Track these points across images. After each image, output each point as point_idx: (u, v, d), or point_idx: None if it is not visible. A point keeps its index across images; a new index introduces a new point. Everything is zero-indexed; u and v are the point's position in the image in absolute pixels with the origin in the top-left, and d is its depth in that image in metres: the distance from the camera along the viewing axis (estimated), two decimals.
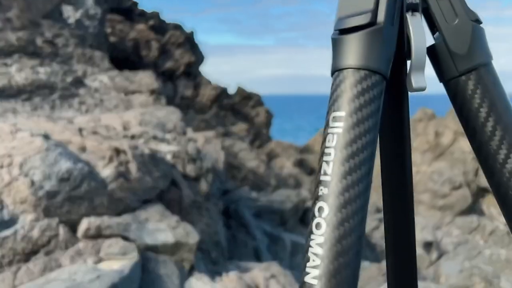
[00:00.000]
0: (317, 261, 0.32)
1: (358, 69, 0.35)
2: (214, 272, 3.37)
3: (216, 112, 12.36)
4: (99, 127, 4.82)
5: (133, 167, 3.28)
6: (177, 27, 15.26)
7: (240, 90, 16.72)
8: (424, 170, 12.62)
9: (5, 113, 4.46)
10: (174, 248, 2.94)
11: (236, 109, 15.54)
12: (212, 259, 3.68)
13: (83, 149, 3.36)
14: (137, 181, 3.25)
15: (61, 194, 2.82)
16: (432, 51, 0.39)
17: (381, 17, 0.35)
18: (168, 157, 3.85)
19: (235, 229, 4.65)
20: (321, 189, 0.34)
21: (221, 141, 4.95)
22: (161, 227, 3.12)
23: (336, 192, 0.33)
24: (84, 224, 2.80)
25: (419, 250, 9.24)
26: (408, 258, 0.47)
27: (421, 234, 9.12)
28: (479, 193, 12.78)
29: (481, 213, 12.37)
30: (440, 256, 8.49)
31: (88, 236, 2.78)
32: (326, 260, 0.32)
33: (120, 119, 5.32)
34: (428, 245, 9.16)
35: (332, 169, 0.33)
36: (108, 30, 12.88)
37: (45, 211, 2.73)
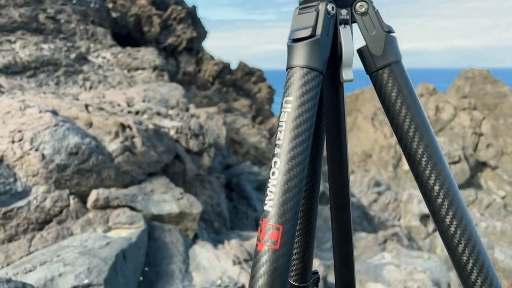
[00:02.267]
0: (271, 196, 0.46)
1: (302, 67, 0.50)
2: (217, 241, 3.56)
3: (218, 88, 12.42)
4: (103, 103, 4.95)
5: (138, 142, 3.43)
6: (179, 2, 15.14)
7: (242, 66, 16.66)
8: None
9: (13, 89, 4.58)
10: (178, 218, 3.12)
11: (238, 85, 15.55)
12: (214, 228, 3.87)
13: (89, 124, 3.49)
14: (142, 155, 3.40)
15: (70, 167, 2.97)
16: (360, 53, 0.54)
17: (319, 30, 0.51)
18: (172, 133, 3.98)
19: (237, 201, 4.83)
20: (276, 149, 0.49)
21: (223, 117, 5.07)
22: (166, 198, 3.28)
23: (285, 151, 0.47)
24: (93, 196, 2.96)
25: (416, 222, 9.45)
26: (346, 233, 0.63)
27: (418, 207, 9.33)
28: (478, 167, 12.93)
29: (479, 187, 12.55)
30: (436, 229, 8.69)
31: (97, 206, 2.95)
32: (277, 194, 0.46)
33: (124, 95, 5.43)
34: (425, 218, 9.38)
35: (283, 136, 0.47)
36: (110, 5, 12.81)
37: (56, 183, 2.89)
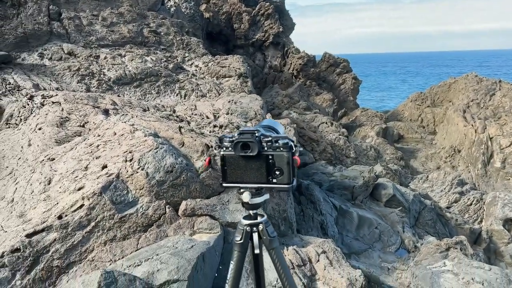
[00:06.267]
0: None
1: None
2: (281, 243, 4.24)
3: (301, 84, 12.93)
4: (194, 116, 5.83)
5: (219, 160, 4.20)
6: None
7: (326, 57, 16.87)
8: None
9: (124, 106, 5.65)
10: None
11: (322, 76, 15.88)
12: (280, 231, 4.55)
13: (182, 144, 4.35)
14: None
15: (166, 183, 3.84)
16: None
17: None
18: None
19: (305, 205, 5.45)
20: None
21: (295, 128, 5.67)
22: (239, 208, 4.03)
23: None
24: (183, 206, 3.80)
25: (499, 226, 9.23)
26: None
27: (502, 210, 9.08)
28: None
29: None
30: None
31: (186, 214, 3.78)
32: None
33: (211, 106, 6.29)
34: (509, 222, 9.12)
35: None
36: (203, 7, 13.90)
37: (156, 195, 3.77)
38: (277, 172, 1.20)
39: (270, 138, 1.21)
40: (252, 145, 1.19)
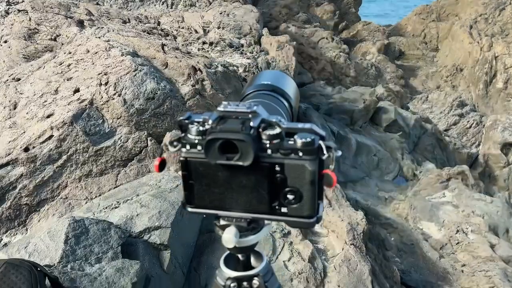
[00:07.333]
0: None
1: None
2: None
3: None
4: (181, 29, 5.17)
5: (207, 85, 3.69)
6: None
7: None
8: None
9: (101, 17, 4.95)
10: None
11: None
12: None
13: (165, 65, 3.80)
14: (211, 97, 3.68)
15: (147, 112, 3.37)
16: None
17: None
18: (240, 70, 4.17)
19: None
20: None
21: (294, 46, 5.07)
22: None
23: None
24: (167, 137, 3.38)
25: (497, 151, 9.05)
26: None
27: (502, 134, 8.84)
28: None
29: None
30: None
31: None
32: None
33: (201, 19, 5.59)
34: (507, 146, 8.93)
35: None
36: None
37: (135, 126, 3.32)
38: (290, 196, 0.60)
39: (278, 131, 0.59)
40: (242, 146, 0.57)
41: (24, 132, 3.32)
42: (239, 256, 0.69)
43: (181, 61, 3.76)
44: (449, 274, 3.95)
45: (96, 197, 3.07)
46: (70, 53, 3.92)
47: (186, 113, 0.66)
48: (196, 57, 3.89)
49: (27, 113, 3.50)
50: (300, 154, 0.58)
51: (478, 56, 13.81)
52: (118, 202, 2.83)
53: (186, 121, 0.64)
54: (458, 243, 4.38)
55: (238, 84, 3.96)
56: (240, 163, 0.58)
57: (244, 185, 0.60)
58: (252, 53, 4.51)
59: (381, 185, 5.48)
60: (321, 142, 0.59)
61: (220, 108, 0.63)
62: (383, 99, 7.35)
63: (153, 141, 3.35)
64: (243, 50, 4.65)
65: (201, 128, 0.62)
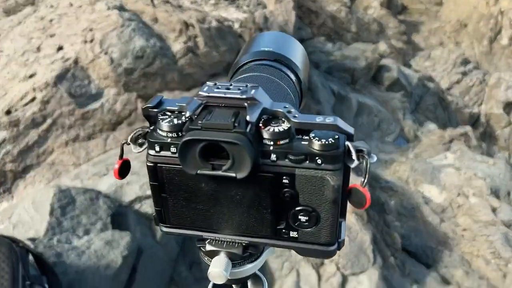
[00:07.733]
0: None
1: None
2: None
3: None
4: None
5: (200, 42, 3.44)
6: None
7: None
8: None
9: None
10: None
11: None
12: None
13: (155, 20, 3.53)
14: (205, 56, 3.45)
15: (137, 71, 3.14)
16: None
17: None
18: (236, 26, 3.90)
19: None
20: None
21: None
22: None
23: None
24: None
25: (499, 110, 8.88)
26: None
27: (505, 93, 8.62)
28: None
29: None
30: None
31: None
32: None
33: None
34: (510, 106, 8.75)
35: None
36: None
37: (124, 87, 3.11)
38: (303, 218, 0.41)
39: (286, 127, 0.39)
40: (235, 151, 0.37)
41: (5, 93, 3.11)
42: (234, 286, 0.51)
43: (171, 15, 3.48)
44: (449, 238, 3.89)
45: (84, 162, 2.91)
46: (52, 6, 3.63)
47: (155, 97, 0.46)
48: (188, 11, 3.61)
49: (8, 72, 3.27)
50: (319, 161, 0.39)
51: (484, 10, 13.35)
52: (107, 169, 2.68)
53: (155, 110, 0.45)
54: (459, 206, 4.30)
55: (234, 41, 3.70)
56: (232, 174, 0.39)
57: (238, 201, 0.42)
58: (249, 6, 4.21)
59: (382, 147, 5.34)
60: (348, 143, 0.40)
61: (203, 92, 0.42)
62: (386, 56, 7.08)
63: (143, 103, 3.14)
64: (239, 3, 4.34)
65: (175, 122, 0.42)
